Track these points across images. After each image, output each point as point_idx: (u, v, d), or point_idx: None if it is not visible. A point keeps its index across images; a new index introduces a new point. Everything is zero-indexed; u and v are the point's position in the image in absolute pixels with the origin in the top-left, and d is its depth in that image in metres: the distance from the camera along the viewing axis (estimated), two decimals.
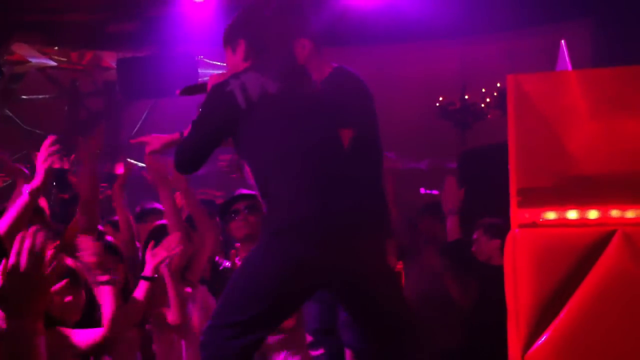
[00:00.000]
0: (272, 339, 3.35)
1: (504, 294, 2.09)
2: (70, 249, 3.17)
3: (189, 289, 3.60)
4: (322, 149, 2.72)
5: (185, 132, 3.15)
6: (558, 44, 2.70)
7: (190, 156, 2.85)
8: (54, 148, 2.96)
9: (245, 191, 3.72)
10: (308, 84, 2.83)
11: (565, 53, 2.64)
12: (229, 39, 2.92)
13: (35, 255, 1.77)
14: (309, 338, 3.53)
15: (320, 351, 3.52)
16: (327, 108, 2.81)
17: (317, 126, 2.75)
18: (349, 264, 2.69)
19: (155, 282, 3.18)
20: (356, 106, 2.92)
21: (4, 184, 6.14)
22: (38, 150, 3.28)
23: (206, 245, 3.75)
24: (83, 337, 2.78)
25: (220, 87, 2.78)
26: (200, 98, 2.95)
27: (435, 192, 4.13)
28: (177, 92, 3.14)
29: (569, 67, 2.61)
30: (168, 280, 3.32)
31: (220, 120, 2.77)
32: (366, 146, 2.87)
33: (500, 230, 4.20)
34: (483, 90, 9.03)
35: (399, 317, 2.78)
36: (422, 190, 4.04)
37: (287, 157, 2.68)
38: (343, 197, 2.67)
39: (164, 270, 3.28)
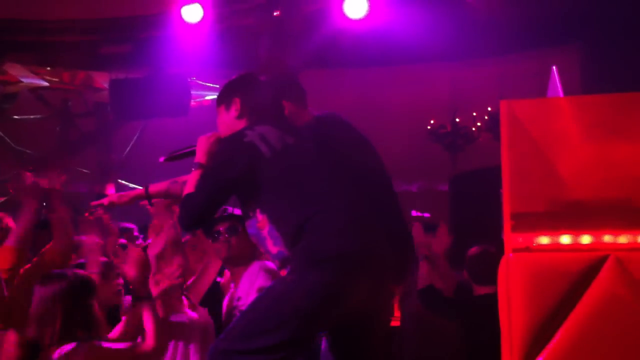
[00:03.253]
0: None
1: (487, 331, 2.09)
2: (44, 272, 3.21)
3: (192, 313, 3.57)
4: (348, 191, 2.76)
5: (153, 187, 3.15)
6: (548, 69, 2.73)
7: (201, 211, 2.82)
8: None
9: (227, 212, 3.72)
10: (309, 136, 2.89)
11: (557, 78, 2.67)
12: (224, 97, 2.98)
13: None
14: None
15: None
16: (332, 154, 2.84)
17: (335, 171, 2.79)
18: (373, 307, 2.73)
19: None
20: (358, 144, 2.95)
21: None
22: (29, 170, 3.29)
23: (211, 268, 3.76)
24: (124, 349, 2.94)
25: (237, 139, 2.80)
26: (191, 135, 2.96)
27: (427, 214, 4.15)
28: (161, 159, 3.13)
29: (560, 92, 2.63)
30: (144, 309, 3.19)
31: (241, 170, 2.76)
32: (385, 181, 2.90)
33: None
34: (474, 114, 9.10)
35: None
36: (414, 213, 4.05)
37: (322, 200, 2.70)
38: (377, 238, 2.71)
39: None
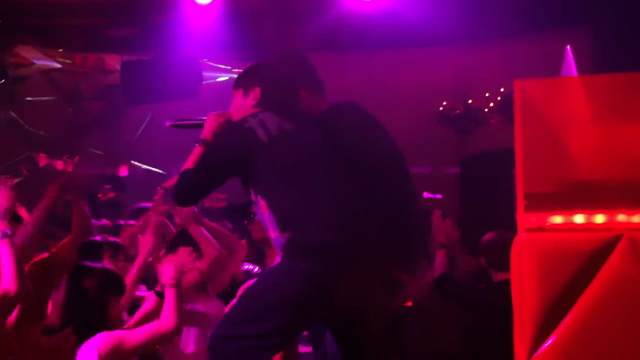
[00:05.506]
0: None
1: (507, 316, 2.10)
2: (58, 265, 3.24)
3: (205, 306, 3.62)
4: (345, 182, 2.79)
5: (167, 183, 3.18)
6: (558, 51, 2.73)
7: (196, 189, 2.88)
8: None
9: None
10: (315, 125, 2.92)
11: (571, 58, 2.66)
12: (243, 83, 3.00)
13: None
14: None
15: (308, 349, 3.56)
16: (339, 143, 2.87)
17: (336, 161, 2.82)
18: (363, 298, 2.76)
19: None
20: (372, 135, 2.98)
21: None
22: (41, 151, 3.30)
23: (234, 262, 3.81)
24: (141, 335, 2.98)
25: (238, 124, 2.85)
26: (193, 132, 2.99)
27: (438, 195, 4.14)
28: (167, 123, 3.16)
29: (574, 72, 2.63)
30: (170, 294, 3.23)
31: (239, 155, 2.80)
32: (397, 173, 2.92)
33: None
34: (487, 94, 9.04)
35: (380, 356, 2.87)
36: (425, 194, 4.05)
37: (315, 189, 2.74)
38: (370, 230, 2.75)
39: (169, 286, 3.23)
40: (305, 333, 3.58)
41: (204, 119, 2.98)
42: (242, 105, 2.96)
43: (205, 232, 3.67)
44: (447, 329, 4.44)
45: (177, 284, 3.09)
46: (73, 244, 3.47)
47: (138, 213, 5.09)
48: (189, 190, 2.87)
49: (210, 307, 3.68)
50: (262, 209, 2.80)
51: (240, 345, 2.64)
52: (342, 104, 3.05)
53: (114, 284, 3.08)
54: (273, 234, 2.78)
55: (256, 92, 2.94)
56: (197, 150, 2.91)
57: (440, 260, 4.09)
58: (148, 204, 5.07)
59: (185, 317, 3.40)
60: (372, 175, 2.84)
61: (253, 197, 2.83)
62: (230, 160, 2.82)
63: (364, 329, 2.83)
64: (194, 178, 2.85)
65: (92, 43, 8.69)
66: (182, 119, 3.16)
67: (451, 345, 4.41)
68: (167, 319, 3.01)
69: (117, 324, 3.07)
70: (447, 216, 4.17)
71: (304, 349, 3.58)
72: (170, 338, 3.12)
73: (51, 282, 3.23)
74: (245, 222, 3.84)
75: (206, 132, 2.94)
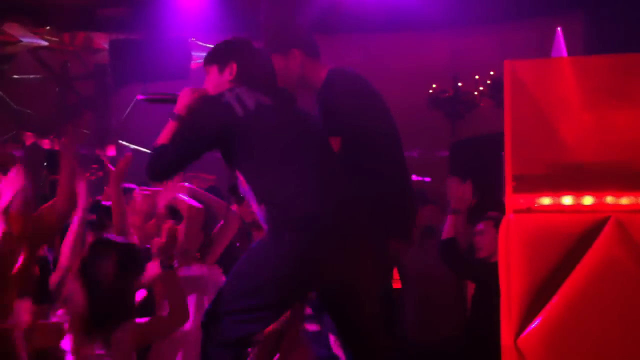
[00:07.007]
0: None
1: (498, 292, 2.10)
2: (44, 232, 3.16)
3: (199, 270, 3.62)
4: (327, 157, 2.81)
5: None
6: (549, 37, 2.72)
7: (170, 165, 2.86)
8: None
9: None
10: (294, 100, 2.93)
11: (561, 40, 2.65)
12: (218, 58, 2.97)
13: None
14: (308, 310, 3.56)
15: (315, 327, 3.56)
16: (321, 119, 2.88)
17: (317, 136, 2.83)
18: (351, 272, 2.77)
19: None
20: (354, 110, 2.98)
21: None
22: (28, 130, 3.25)
23: (229, 230, 3.80)
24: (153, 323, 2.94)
25: (215, 99, 2.83)
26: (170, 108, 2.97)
27: (427, 179, 4.14)
28: (140, 97, 3.14)
29: (564, 53, 2.62)
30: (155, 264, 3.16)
31: (215, 130, 2.79)
32: (381, 147, 2.94)
33: None
34: (476, 77, 9.04)
35: (374, 338, 2.87)
36: (414, 177, 4.04)
37: (297, 165, 2.74)
38: (358, 202, 2.76)
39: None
40: (310, 312, 3.59)
41: (177, 95, 2.95)
42: (218, 81, 2.94)
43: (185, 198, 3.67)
44: (447, 310, 4.46)
45: (171, 266, 3.02)
46: (55, 208, 3.29)
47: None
48: (166, 165, 2.85)
49: (206, 270, 3.68)
50: (242, 182, 2.81)
51: (232, 320, 2.68)
52: (340, 69, 3.05)
53: (133, 261, 2.89)
54: (254, 206, 2.80)
55: (232, 68, 2.92)
56: (171, 125, 2.88)
57: (449, 224, 4.02)
58: (132, 185, 5.05)
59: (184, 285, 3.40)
60: (367, 146, 2.86)
61: (235, 173, 2.84)
62: (208, 134, 2.81)
63: (357, 306, 2.82)
64: (171, 153, 2.83)
65: (80, 22, 8.60)
66: (156, 93, 3.14)
67: (452, 327, 4.44)
68: (171, 311, 2.96)
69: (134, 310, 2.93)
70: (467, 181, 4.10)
71: (312, 327, 3.57)
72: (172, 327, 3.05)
73: (36, 243, 3.14)
74: (235, 204, 3.81)
75: (180, 107, 2.90)
